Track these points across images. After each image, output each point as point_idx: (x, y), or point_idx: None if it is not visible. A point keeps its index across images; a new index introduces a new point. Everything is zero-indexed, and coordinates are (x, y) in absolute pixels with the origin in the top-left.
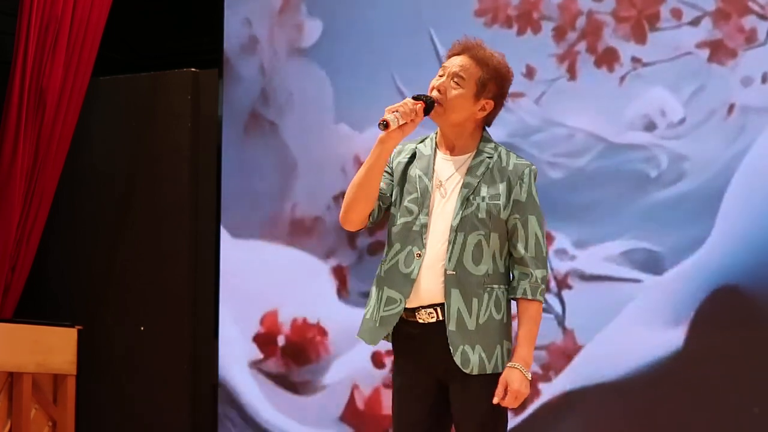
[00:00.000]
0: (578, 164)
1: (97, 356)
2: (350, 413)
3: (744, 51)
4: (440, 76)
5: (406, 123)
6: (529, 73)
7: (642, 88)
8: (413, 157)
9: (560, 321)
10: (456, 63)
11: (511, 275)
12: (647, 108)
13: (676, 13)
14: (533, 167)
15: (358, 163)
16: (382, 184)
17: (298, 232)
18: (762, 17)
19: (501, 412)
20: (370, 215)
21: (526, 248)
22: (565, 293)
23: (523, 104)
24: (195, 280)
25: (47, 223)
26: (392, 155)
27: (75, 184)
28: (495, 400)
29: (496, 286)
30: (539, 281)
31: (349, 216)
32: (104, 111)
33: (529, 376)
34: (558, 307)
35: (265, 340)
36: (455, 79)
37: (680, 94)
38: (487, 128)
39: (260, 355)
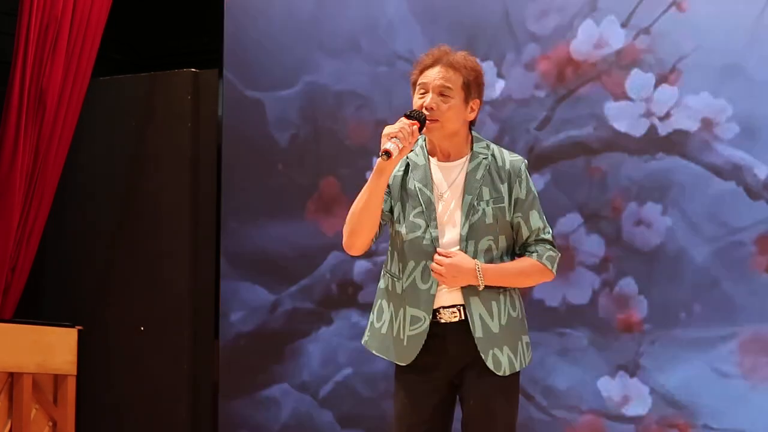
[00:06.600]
0: None
1: (97, 356)
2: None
3: None
4: (423, 93)
5: (404, 146)
6: None
7: None
8: (407, 168)
9: None
10: (436, 77)
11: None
12: None
13: None
14: (525, 161)
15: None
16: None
17: None
18: None
19: (513, 408)
20: (373, 237)
21: (530, 232)
22: None
23: None
24: (195, 279)
25: (47, 223)
26: None
27: (75, 184)
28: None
29: None
30: (548, 251)
31: (356, 243)
32: (104, 111)
33: (480, 277)
34: None
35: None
36: (443, 93)
37: None
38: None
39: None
